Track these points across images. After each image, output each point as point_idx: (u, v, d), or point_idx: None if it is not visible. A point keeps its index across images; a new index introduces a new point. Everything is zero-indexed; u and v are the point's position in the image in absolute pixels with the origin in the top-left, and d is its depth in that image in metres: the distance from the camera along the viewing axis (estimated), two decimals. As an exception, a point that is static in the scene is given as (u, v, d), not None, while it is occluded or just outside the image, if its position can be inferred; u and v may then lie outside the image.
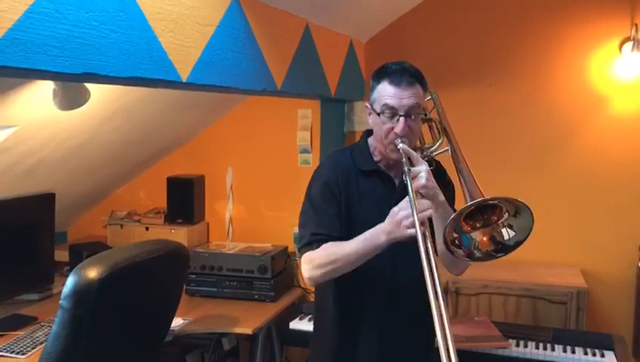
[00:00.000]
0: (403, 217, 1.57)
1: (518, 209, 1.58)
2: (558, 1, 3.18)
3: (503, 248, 1.62)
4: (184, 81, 1.80)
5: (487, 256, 1.63)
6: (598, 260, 3.18)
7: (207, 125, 3.75)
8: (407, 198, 1.59)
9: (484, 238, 1.63)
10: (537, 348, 2.49)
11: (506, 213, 1.61)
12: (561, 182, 3.23)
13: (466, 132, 3.30)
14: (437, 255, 1.54)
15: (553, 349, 2.49)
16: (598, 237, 3.18)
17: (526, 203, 1.56)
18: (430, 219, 1.67)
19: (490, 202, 1.58)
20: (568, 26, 3.18)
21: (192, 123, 3.63)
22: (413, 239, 1.53)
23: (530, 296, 2.86)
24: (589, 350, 2.48)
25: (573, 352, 2.47)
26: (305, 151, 3.57)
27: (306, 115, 3.57)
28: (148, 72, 1.65)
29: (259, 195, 3.70)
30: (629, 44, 3.03)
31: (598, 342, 2.54)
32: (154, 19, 1.65)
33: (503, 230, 1.62)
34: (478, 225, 1.64)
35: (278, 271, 3.19)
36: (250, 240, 3.52)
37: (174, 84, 1.81)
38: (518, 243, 1.61)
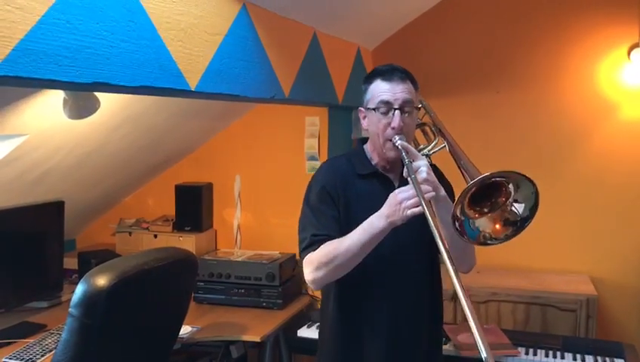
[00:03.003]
0: (404, 198, 1.56)
1: (516, 181, 1.54)
2: (567, 7, 3.18)
3: (522, 222, 1.56)
4: (193, 89, 1.81)
5: (509, 238, 1.58)
6: (608, 267, 3.16)
7: (216, 133, 3.76)
8: (408, 185, 1.59)
9: (497, 226, 1.58)
10: (547, 356, 2.47)
11: (512, 189, 1.56)
12: (570, 189, 3.22)
13: (474, 139, 3.32)
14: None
15: (563, 357, 2.47)
16: (607, 244, 3.17)
17: (520, 171, 1.52)
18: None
19: (493, 179, 1.53)
20: (577, 33, 3.17)
21: (200, 131, 3.65)
22: (413, 220, 1.55)
23: (539, 304, 2.85)
24: (599, 358, 2.46)
25: (583, 360, 2.45)
26: (313, 158, 3.58)
27: (314, 123, 3.58)
28: (157, 81, 1.66)
29: (267, 203, 3.71)
30: (637, 50, 3.03)
31: (608, 350, 2.52)
32: (163, 28, 1.66)
33: (513, 207, 1.57)
34: (485, 210, 1.59)
35: (286, 278, 3.19)
36: (258, 248, 3.53)
37: (183, 92, 1.82)
38: (533, 210, 1.55)
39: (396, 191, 1.62)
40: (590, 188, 3.19)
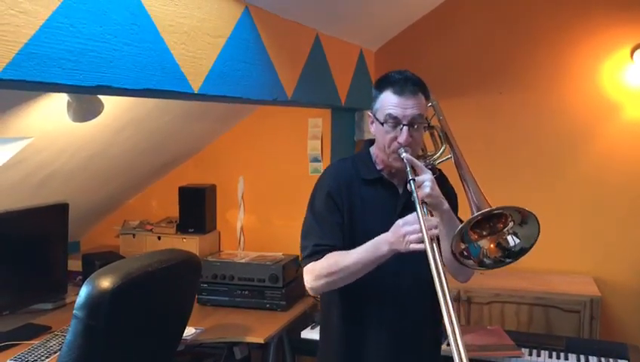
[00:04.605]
0: (408, 232, 1.57)
1: (524, 218, 1.59)
2: (570, 8, 3.18)
3: (510, 254, 1.63)
4: (196, 92, 1.82)
5: (497, 263, 1.64)
6: (612, 268, 3.15)
7: (219, 135, 3.77)
8: (414, 214, 1.58)
9: (492, 245, 1.65)
10: (550, 357, 2.47)
11: (512, 222, 1.62)
12: (573, 190, 3.22)
13: (477, 140, 3.32)
14: (444, 264, 1.54)
15: (567, 358, 2.47)
16: (611, 245, 3.16)
17: (533, 212, 1.57)
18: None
19: (496, 211, 1.58)
20: (580, 34, 3.17)
21: (203, 133, 3.66)
22: (415, 253, 1.55)
23: (543, 305, 2.85)
24: (603, 359, 2.45)
25: (587, 361, 2.45)
26: (315, 160, 3.59)
27: (317, 124, 3.59)
28: (160, 83, 1.67)
29: (270, 204, 3.72)
30: (640, 51, 3.02)
31: (612, 351, 2.51)
32: (166, 31, 1.67)
33: (509, 237, 1.63)
34: (484, 233, 1.65)
35: (289, 279, 3.19)
36: (262, 249, 3.53)
37: (186, 95, 1.83)
38: (523, 251, 1.62)
39: (401, 221, 1.61)
40: (593, 188, 3.19)
